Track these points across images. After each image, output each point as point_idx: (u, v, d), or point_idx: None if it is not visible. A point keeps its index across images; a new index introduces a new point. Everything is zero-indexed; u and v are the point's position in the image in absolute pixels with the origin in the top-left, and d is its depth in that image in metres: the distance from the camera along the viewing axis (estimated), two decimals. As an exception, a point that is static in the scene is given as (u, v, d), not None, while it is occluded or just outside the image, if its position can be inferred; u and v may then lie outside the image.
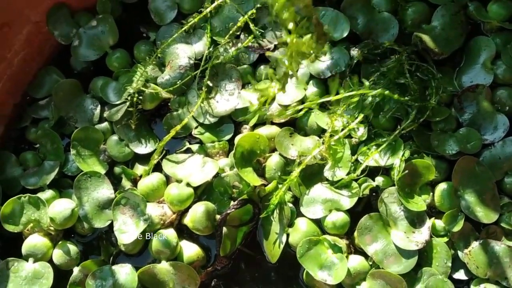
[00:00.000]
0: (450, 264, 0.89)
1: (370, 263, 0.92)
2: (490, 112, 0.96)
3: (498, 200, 0.91)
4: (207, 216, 0.94)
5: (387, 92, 0.92)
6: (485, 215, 0.90)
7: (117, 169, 1.04)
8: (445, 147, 0.94)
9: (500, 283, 0.87)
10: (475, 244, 0.89)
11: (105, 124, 1.06)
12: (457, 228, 0.89)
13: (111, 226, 0.96)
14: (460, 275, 0.90)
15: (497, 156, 0.93)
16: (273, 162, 0.98)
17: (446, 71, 1.01)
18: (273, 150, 1.00)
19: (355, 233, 0.93)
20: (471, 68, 1.00)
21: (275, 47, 1.06)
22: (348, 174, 0.95)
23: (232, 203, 0.95)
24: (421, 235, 0.89)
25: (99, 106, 1.07)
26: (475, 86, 0.96)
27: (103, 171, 1.01)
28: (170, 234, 0.94)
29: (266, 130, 1.01)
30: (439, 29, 1.00)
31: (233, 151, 0.97)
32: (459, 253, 0.90)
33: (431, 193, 0.94)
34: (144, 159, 1.05)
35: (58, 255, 0.97)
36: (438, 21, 1.01)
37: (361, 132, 0.98)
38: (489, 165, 0.93)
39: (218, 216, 0.94)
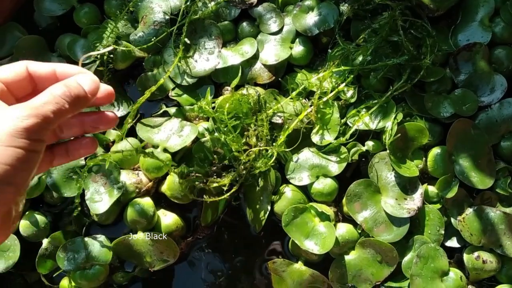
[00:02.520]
0: (443, 232, 0.85)
1: (359, 231, 0.87)
2: (487, 72, 0.90)
3: (494, 165, 0.86)
4: (185, 183, 0.87)
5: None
6: (480, 181, 0.85)
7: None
8: (440, 109, 0.89)
9: (495, 250, 0.84)
10: (469, 211, 0.85)
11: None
12: (451, 194, 0.84)
13: (82, 195, 0.88)
14: (453, 243, 0.87)
15: (494, 118, 0.88)
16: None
17: (441, 29, 0.95)
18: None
19: (344, 200, 0.88)
20: (468, 25, 0.94)
21: (258, 2, 0.97)
22: (336, 138, 0.89)
23: (212, 169, 0.89)
24: (413, 202, 0.85)
25: (67, 65, 0.98)
26: (471, 44, 0.90)
27: (72, 136, 0.93)
28: (147, 202, 0.88)
29: (250, 92, 0.93)
30: (435, -17, 0.93)
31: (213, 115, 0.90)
32: (452, 220, 0.86)
33: (424, 158, 0.89)
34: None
35: (25, 226, 0.90)
36: (434, -25, 0.94)
37: (351, 94, 0.92)
38: (485, 128, 0.88)
39: (198, 184, 0.88)
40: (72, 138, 0.55)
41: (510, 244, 0.83)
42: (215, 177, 0.87)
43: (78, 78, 0.50)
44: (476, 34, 0.92)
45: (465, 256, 0.84)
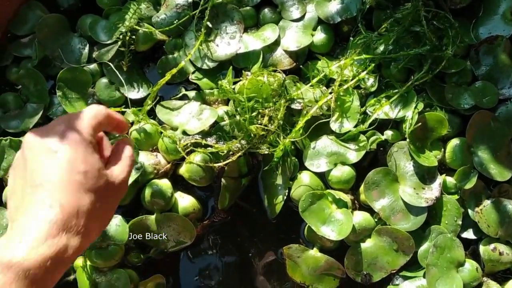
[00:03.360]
0: (460, 223, 0.85)
1: (376, 219, 0.87)
2: (508, 65, 0.90)
3: (513, 157, 0.86)
4: (204, 166, 0.87)
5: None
6: (498, 173, 0.85)
7: (106, 115, 0.96)
8: (460, 101, 0.89)
9: (511, 242, 0.84)
10: (487, 203, 0.85)
11: (94, 66, 0.97)
12: (469, 185, 0.85)
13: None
14: (469, 234, 0.87)
15: (514, 112, 0.89)
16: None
17: (463, 22, 0.95)
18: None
19: (361, 188, 0.88)
20: (490, 18, 0.94)
21: (281, -12, 0.98)
22: (355, 126, 0.89)
23: (230, 153, 0.89)
24: (431, 192, 0.85)
25: (88, 46, 0.98)
26: (493, 37, 0.91)
27: (91, 116, 0.93)
28: (165, 184, 0.88)
29: (270, 78, 0.93)
30: (458, -25, 0.94)
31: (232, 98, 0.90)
32: (469, 211, 0.86)
33: (442, 149, 0.89)
34: (136, 104, 0.96)
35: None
36: (458, -33, 0.94)
37: (371, 82, 0.92)
38: (504, 121, 0.88)
39: (216, 166, 0.88)
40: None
41: (527, 236, 0.83)
42: (232, 160, 0.86)
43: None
44: (498, 27, 0.92)
45: (481, 248, 0.85)
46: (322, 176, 0.91)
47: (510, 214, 0.84)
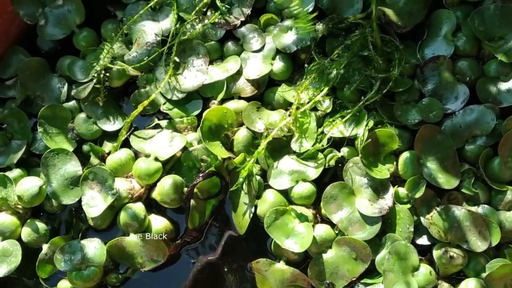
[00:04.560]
0: (412, 230, 0.91)
1: (336, 231, 0.93)
2: (451, 82, 0.98)
3: (459, 167, 0.93)
4: (174, 189, 0.94)
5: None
6: (446, 181, 0.92)
7: (85, 147, 1.04)
8: (408, 117, 0.96)
9: (461, 246, 0.89)
10: (436, 210, 0.91)
11: (72, 103, 1.06)
12: (419, 194, 0.91)
13: (80, 202, 0.96)
14: (423, 240, 0.93)
15: (458, 124, 0.95)
16: (240, 135, 0.99)
17: (409, 44, 1.03)
18: (241, 124, 1.01)
19: (321, 203, 0.95)
20: (433, 40, 1.02)
21: (242, 23, 1.06)
22: (314, 145, 0.96)
23: (200, 175, 0.96)
24: (385, 202, 0.91)
25: (67, 85, 1.06)
26: (436, 57, 0.98)
27: (71, 149, 1.01)
28: (138, 207, 0.95)
29: (234, 105, 1.01)
30: (402, 3, 1.02)
31: (200, 125, 0.98)
32: (422, 219, 0.92)
33: (395, 162, 0.96)
34: (112, 136, 1.05)
35: (26, 233, 0.97)
36: (401, -5, 1.03)
37: (327, 104, 0.99)
38: (450, 133, 0.95)
39: (186, 189, 0.95)
40: None
41: (475, 240, 0.88)
42: (199, 181, 0.93)
43: None
44: (440, 48, 1.00)
45: (434, 252, 0.90)
46: (286, 193, 0.97)
47: (458, 220, 0.89)
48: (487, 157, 0.94)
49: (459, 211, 0.90)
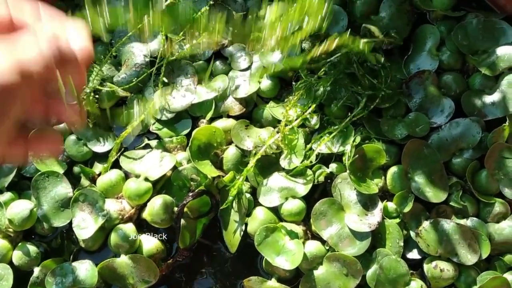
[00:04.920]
0: (402, 244, 0.91)
1: (327, 247, 0.94)
2: (437, 96, 0.99)
3: (447, 180, 0.94)
4: (164, 209, 0.95)
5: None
6: (434, 195, 0.92)
7: (76, 169, 1.04)
8: (395, 132, 0.97)
9: (451, 259, 0.90)
10: (425, 224, 0.91)
11: (63, 125, 1.06)
12: (407, 208, 0.91)
13: (71, 224, 0.96)
14: (414, 254, 0.93)
15: (445, 138, 0.96)
16: (230, 154, 1.00)
17: (395, 60, 1.04)
18: (230, 142, 1.02)
19: (311, 219, 0.95)
20: (418, 55, 1.03)
21: (229, 43, 1.08)
22: (302, 162, 0.97)
23: (190, 195, 0.96)
24: (374, 217, 0.92)
25: (57, 107, 1.07)
26: (421, 72, 1.00)
27: (61, 171, 1.01)
28: (129, 228, 0.95)
29: (222, 123, 1.02)
30: (387, 19, 1.04)
31: (189, 144, 0.98)
32: (411, 233, 0.93)
33: (383, 177, 0.96)
34: (103, 157, 1.05)
35: (17, 256, 0.97)
36: (386, 12, 1.04)
37: (314, 121, 1.00)
38: (437, 147, 0.96)
39: (176, 209, 0.95)
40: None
41: (465, 252, 0.89)
42: (189, 200, 0.94)
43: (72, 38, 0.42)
44: (425, 63, 1.02)
45: (425, 266, 0.90)
46: (276, 210, 0.98)
47: (447, 233, 0.90)
48: (474, 170, 0.95)
49: (448, 224, 0.90)
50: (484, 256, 0.89)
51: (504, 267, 0.90)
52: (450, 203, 0.93)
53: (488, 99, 0.97)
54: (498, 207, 0.92)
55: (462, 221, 0.91)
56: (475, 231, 0.90)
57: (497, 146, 0.92)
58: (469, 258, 0.89)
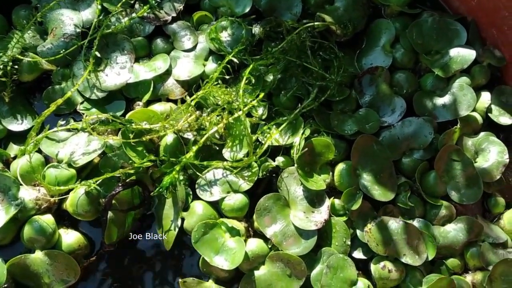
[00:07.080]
0: (349, 243, 0.87)
1: (270, 246, 0.87)
2: (389, 94, 0.96)
3: (395, 179, 0.90)
4: (89, 200, 0.84)
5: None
6: (382, 194, 0.89)
7: (-14, 149, 0.90)
8: (345, 127, 0.93)
9: (399, 259, 0.86)
10: (374, 222, 0.87)
11: (-29, 98, 0.92)
12: (355, 206, 0.87)
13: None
14: (360, 254, 0.89)
15: (396, 136, 0.93)
16: (167, 141, 0.90)
17: (348, 53, 1.00)
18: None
19: (254, 215, 0.88)
20: (372, 50, 1.00)
21: (173, 20, 0.98)
22: (247, 154, 0.90)
23: (118, 184, 0.86)
24: (321, 215, 0.86)
25: (-34, 76, 0.92)
26: (374, 68, 0.96)
27: (-32, 151, 0.87)
28: (47, 220, 0.83)
29: (161, 107, 0.93)
30: (342, 10, 1.00)
31: (122, 129, 0.88)
32: (358, 232, 0.88)
33: (331, 173, 0.92)
34: (20, 138, 0.92)
35: None
36: (341, 2, 1.00)
37: (262, 111, 0.93)
38: (388, 144, 0.93)
39: (103, 200, 0.84)
40: None
41: (412, 253, 0.86)
42: (118, 191, 0.83)
43: None
44: (378, 59, 0.98)
45: (372, 266, 0.87)
46: (216, 205, 0.90)
47: (395, 233, 0.87)
48: (423, 171, 0.92)
49: (397, 223, 0.87)
50: (431, 257, 0.87)
51: (446, 272, 0.89)
52: (398, 203, 0.90)
53: (440, 101, 0.95)
54: (444, 209, 0.90)
55: (409, 222, 0.88)
56: (422, 232, 0.87)
57: (447, 148, 0.90)
58: (416, 258, 0.86)
